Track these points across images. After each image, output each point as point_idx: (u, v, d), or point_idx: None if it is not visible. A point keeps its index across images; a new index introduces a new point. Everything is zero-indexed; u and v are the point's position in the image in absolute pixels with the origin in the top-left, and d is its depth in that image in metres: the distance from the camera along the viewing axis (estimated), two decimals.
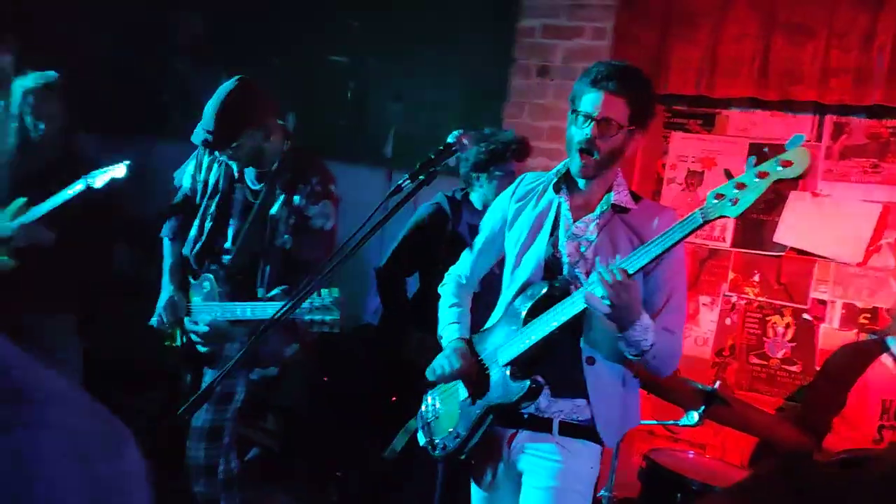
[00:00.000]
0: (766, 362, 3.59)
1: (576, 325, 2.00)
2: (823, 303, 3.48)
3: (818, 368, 3.35)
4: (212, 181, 2.84)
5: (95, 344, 3.53)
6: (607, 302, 1.86)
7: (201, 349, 2.76)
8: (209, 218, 2.82)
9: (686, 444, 3.60)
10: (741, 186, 1.77)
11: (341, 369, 3.89)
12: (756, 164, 1.77)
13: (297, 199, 2.68)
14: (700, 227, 1.83)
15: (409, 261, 3.23)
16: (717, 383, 2.50)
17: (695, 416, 2.45)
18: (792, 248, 3.53)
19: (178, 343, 2.87)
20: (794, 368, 3.53)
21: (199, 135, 2.62)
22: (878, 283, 3.36)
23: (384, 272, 3.24)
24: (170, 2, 4.87)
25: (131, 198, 3.43)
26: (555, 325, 1.99)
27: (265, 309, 2.48)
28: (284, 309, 1.90)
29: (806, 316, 3.51)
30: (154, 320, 2.87)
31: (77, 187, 3.01)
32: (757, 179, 1.76)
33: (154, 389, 3.87)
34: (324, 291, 2.26)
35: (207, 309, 2.72)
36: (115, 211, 3.31)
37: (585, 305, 1.92)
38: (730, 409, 2.57)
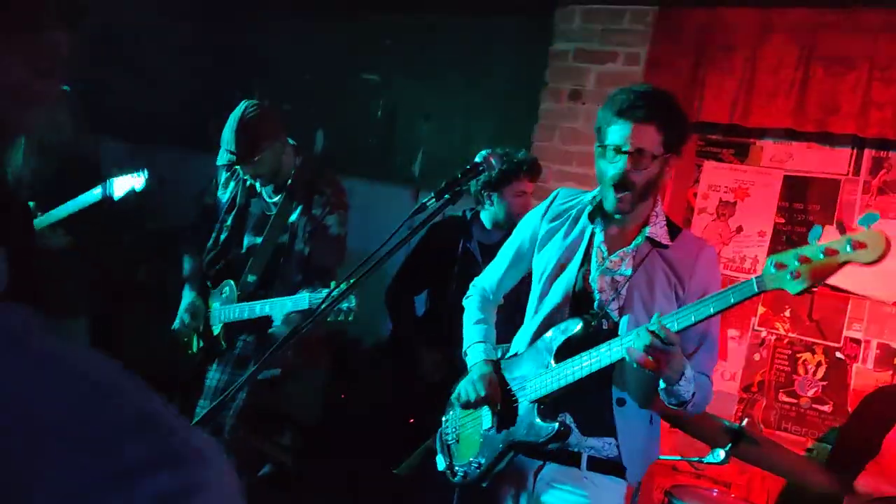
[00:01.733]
0: (795, 400, 3.48)
1: (609, 366, 1.93)
2: (857, 342, 3.37)
3: (851, 410, 3.24)
4: (229, 197, 3.03)
5: (111, 350, 3.53)
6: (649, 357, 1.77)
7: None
8: (225, 230, 3.00)
9: (710, 481, 3.49)
10: (805, 260, 1.62)
11: (358, 385, 3.85)
12: (822, 238, 1.62)
13: (314, 209, 2.87)
14: (754, 296, 1.72)
15: (418, 279, 3.21)
16: (745, 420, 2.41)
17: (721, 453, 2.36)
18: (825, 284, 3.43)
19: (195, 349, 3.01)
20: (824, 408, 3.41)
21: (223, 156, 2.81)
22: None
23: (391, 290, 3.23)
24: (205, 18, 4.92)
25: (160, 207, 3.45)
26: (590, 369, 1.92)
27: (284, 304, 2.64)
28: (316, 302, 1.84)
29: (839, 355, 3.40)
30: (176, 324, 3.01)
31: (95, 194, 3.04)
32: (823, 257, 1.60)
33: (167, 397, 3.86)
34: (342, 284, 2.30)
35: (226, 311, 2.90)
36: (137, 220, 3.35)
37: (623, 355, 1.84)
38: (757, 448, 2.48)
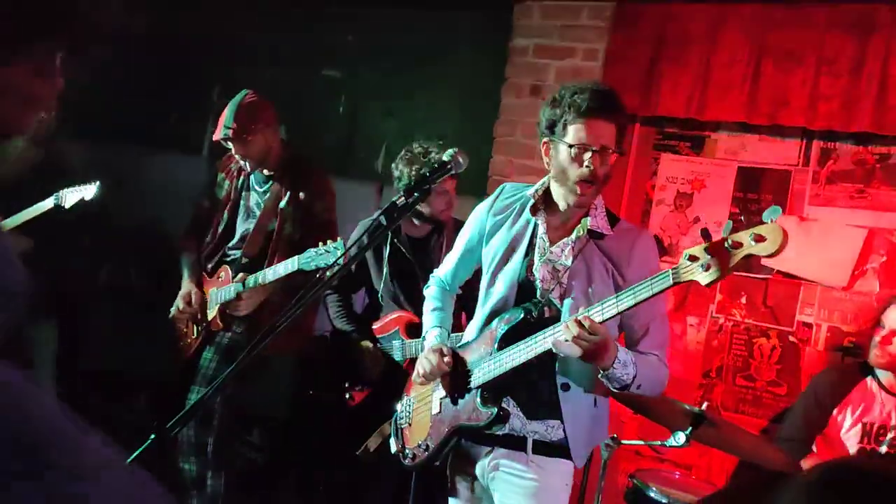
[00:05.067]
0: (752, 384, 3.61)
1: (551, 353, 2.01)
2: (809, 326, 3.51)
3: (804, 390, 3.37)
4: (223, 194, 3.30)
5: (82, 352, 3.51)
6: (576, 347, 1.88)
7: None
8: (221, 223, 3.26)
9: (672, 464, 3.60)
10: (715, 253, 1.74)
11: (323, 380, 3.86)
12: (732, 231, 1.74)
13: (302, 195, 3.13)
14: (671, 287, 1.83)
15: (354, 277, 3.23)
16: (705, 405, 2.50)
17: (681, 436, 2.45)
18: (779, 271, 3.56)
19: (196, 334, 3.22)
20: (779, 390, 3.55)
21: (222, 132, 3.10)
22: (862, 308, 3.40)
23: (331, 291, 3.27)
24: (168, 14, 4.86)
25: (126, 207, 3.48)
26: (528, 356, 2.02)
27: (276, 270, 2.96)
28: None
29: (792, 338, 3.54)
30: (171, 311, 3.26)
31: (46, 205, 3.13)
32: (731, 250, 1.72)
33: (140, 399, 3.84)
34: (328, 242, 2.72)
35: (221, 293, 3.13)
36: (98, 221, 3.40)
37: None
38: (717, 431, 2.57)
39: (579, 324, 1.85)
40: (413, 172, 2.94)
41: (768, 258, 1.71)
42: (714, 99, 3.54)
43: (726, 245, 1.73)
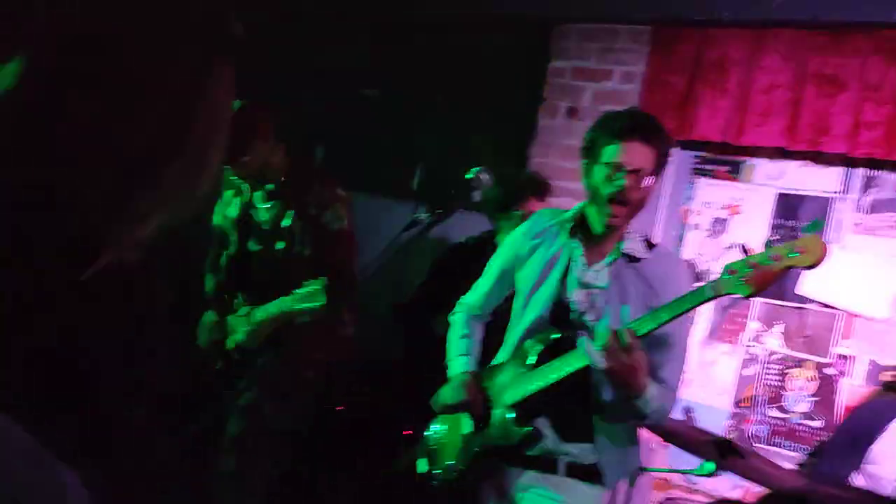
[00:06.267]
0: (785, 416, 3.52)
1: (587, 373, 2.00)
2: (846, 358, 3.42)
3: (840, 423, 3.28)
4: (233, 214, 3.08)
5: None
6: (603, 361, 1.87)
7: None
8: (233, 245, 3.07)
9: (703, 495, 3.53)
10: (754, 266, 1.77)
11: (354, 400, 3.87)
12: (773, 245, 1.78)
13: (309, 210, 2.88)
14: (710, 300, 1.84)
15: (437, 300, 3.22)
16: (734, 434, 2.45)
17: (709, 466, 2.40)
18: (815, 300, 3.48)
19: (219, 365, 3.07)
20: (814, 423, 3.45)
21: None
22: None
23: (409, 308, 3.24)
24: None
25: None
26: (561, 374, 2.01)
27: (271, 308, 2.80)
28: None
29: (828, 370, 3.44)
30: (198, 341, 3.12)
31: None
32: (770, 262, 1.75)
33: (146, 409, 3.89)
34: (311, 281, 2.57)
35: (241, 321, 2.96)
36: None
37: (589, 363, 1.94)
38: (745, 462, 2.52)
39: (615, 334, 1.85)
40: (500, 193, 2.94)
41: (808, 269, 1.73)
42: (752, 124, 3.49)
43: (766, 258, 1.75)
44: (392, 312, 3.28)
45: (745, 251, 1.79)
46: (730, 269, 1.80)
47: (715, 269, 3.72)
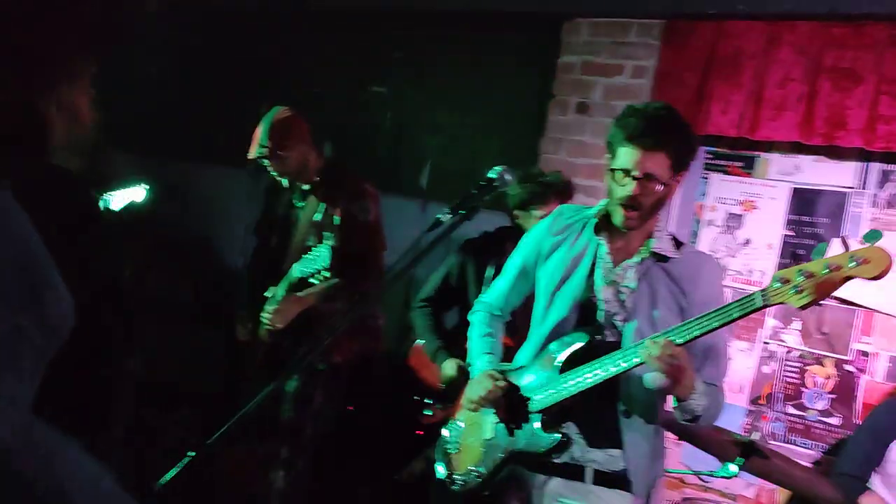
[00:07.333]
0: (803, 413, 3.48)
1: (614, 378, 1.94)
2: (866, 354, 3.37)
3: (859, 422, 3.24)
4: (272, 212, 3.34)
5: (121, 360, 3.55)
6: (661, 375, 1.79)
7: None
8: (269, 239, 3.32)
9: (717, 494, 3.49)
10: (809, 276, 1.69)
11: (368, 398, 3.84)
12: (827, 254, 1.70)
13: (338, 203, 3.08)
14: (759, 310, 1.77)
15: (450, 296, 3.19)
16: (756, 435, 2.41)
17: (732, 467, 2.36)
18: (834, 297, 3.43)
19: (259, 358, 3.25)
20: (833, 421, 3.41)
21: (256, 150, 3.10)
22: None
23: (421, 305, 3.21)
24: (215, 30, 4.95)
25: (169, 219, 3.53)
26: (594, 381, 1.94)
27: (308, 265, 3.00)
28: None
29: (848, 367, 3.40)
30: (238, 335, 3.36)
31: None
32: (828, 271, 1.67)
33: (185, 410, 3.87)
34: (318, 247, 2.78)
35: (269, 303, 3.13)
36: (143, 229, 3.46)
37: (628, 367, 1.87)
38: (767, 462, 2.48)
39: (667, 343, 1.78)
40: (523, 192, 2.93)
41: (871, 280, 1.66)
42: (767, 118, 3.44)
43: (824, 267, 1.67)
44: (409, 309, 3.27)
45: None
46: (781, 278, 1.72)
47: (730, 266, 3.68)
